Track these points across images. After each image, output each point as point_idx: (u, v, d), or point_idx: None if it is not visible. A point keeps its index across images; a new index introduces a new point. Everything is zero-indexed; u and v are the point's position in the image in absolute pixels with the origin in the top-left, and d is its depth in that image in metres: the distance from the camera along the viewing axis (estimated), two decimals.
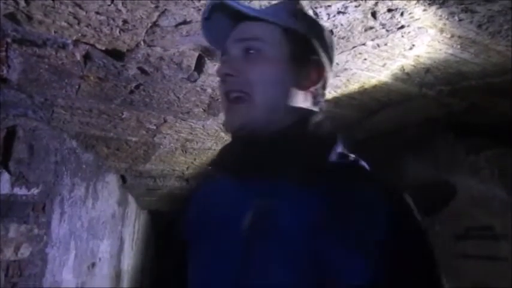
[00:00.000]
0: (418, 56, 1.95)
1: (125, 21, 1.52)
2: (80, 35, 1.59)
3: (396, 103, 2.58)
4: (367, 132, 3.14)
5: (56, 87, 1.98)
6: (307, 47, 0.79)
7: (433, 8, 1.53)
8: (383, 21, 1.62)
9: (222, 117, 2.01)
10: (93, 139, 2.67)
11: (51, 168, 2.29)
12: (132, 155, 3.08)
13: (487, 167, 2.99)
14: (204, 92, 2.19)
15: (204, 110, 2.42)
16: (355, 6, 1.51)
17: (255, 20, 0.77)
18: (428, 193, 3.34)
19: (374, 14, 1.57)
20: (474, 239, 3.07)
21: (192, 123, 2.62)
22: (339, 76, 2.15)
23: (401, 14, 1.57)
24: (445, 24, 1.65)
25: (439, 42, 1.81)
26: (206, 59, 1.87)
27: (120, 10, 1.44)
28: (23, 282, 2.06)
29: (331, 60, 0.84)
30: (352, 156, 0.78)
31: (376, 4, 1.51)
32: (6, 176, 2.00)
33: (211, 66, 1.90)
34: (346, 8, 1.52)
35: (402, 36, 1.75)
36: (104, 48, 1.70)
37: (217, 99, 2.26)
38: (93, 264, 3.14)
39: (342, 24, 1.63)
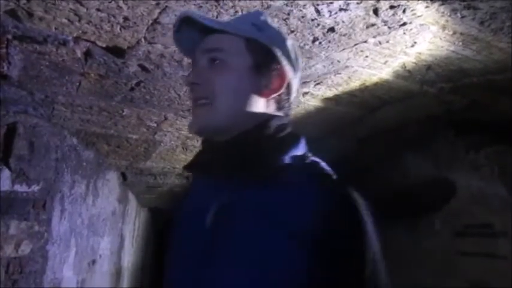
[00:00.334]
0: (420, 53, 1.95)
1: (125, 18, 1.51)
2: (80, 31, 1.58)
3: (397, 100, 2.58)
4: (368, 129, 3.14)
5: (56, 84, 1.98)
6: (269, 57, 0.84)
7: (436, 4, 1.52)
8: (385, 18, 1.62)
9: None
10: (93, 136, 2.67)
11: (51, 165, 2.29)
12: (133, 153, 3.08)
13: (487, 164, 2.99)
14: None
15: None
16: (357, 3, 1.51)
17: (219, 32, 0.83)
18: (429, 190, 3.35)
19: (376, 11, 1.57)
20: (474, 237, 3.08)
21: None
22: (340, 74, 2.14)
23: (404, 11, 1.57)
24: (447, 21, 1.64)
25: (441, 39, 1.80)
26: None
27: (121, 7, 1.44)
28: (24, 279, 2.06)
29: (295, 68, 0.88)
30: (311, 157, 0.83)
31: (378, 1, 1.50)
32: (6, 172, 1.99)
33: None
34: (348, 4, 1.51)
35: (404, 33, 1.74)
36: (104, 45, 1.69)
37: None
38: (94, 261, 3.14)
39: (343, 21, 1.63)
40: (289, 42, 0.88)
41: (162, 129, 2.71)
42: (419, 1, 1.50)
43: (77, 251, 2.73)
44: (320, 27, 1.66)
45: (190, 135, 2.84)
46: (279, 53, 0.85)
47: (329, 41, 1.78)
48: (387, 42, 1.82)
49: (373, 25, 1.67)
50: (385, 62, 2.03)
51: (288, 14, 1.55)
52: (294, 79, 0.88)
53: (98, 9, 1.45)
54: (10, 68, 1.78)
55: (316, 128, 3.04)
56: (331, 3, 1.49)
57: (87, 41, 1.66)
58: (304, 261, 0.66)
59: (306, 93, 2.39)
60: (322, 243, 0.67)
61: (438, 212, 3.34)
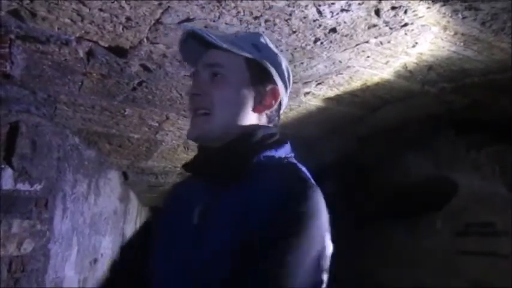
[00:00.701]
0: (421, 54, 1.95)
1: (128, 19, 1.52)
2: (83, 31, 1.59)
3: (398, 100, 2.58)
4: (369, 129, 3.14)
5: (58, 83, 1.99)
6: (265, 76, 0.92)
7: (437, 5, 1.53)
8: (386, 19, 1.62)
9: None
10: (95, 135, 2.68)
11: (53, 164, 2.30)
12: (134, 152, 3.09)
13: (488, 163, 2.99)
14: None
15: None
16: (359, 4, 1.51)
17: (222, 48, 0.89)
18: (430, 190, 3.35)
19: (377, 12, 1.57)
20: (475, 236, 3.08)
21: None
22: (341, 74, 2.15)
23: (405, 12, 1.57)
24: (448, 21, 1.64)
25: (442, 39, 1.80)
26: None
27: (123, 7, 1.44)
28: (26, 277, 2.07)
29: (286, 87, 0.97)
30: (290, 160, 0.89)
31: (379, 2, 1.50)
32: (9, 171, 2.00)
33: None
34: (349, 5, 1.52)
35: (405, 33, 1.75)
36: (107, 45, 1.70)
37: None
38: (95, 260, 3.16)
39: (345, 22, 1.63)
40: (284, 64, 0.96)
41: (164, 129, 2.72)
42: (421, 2, 1.50)
43: (79, 249, 2.74)
44: (322, 27, 1.66)
45: None
46: (274, 73, 0.93)
47: (331, 42, 1.79)
48: (389, 42, 1.82)
49: (374, 26, 1.67)
50: (387, 62, 2.04)
51: (290, 15, 1.55)
52: (285, 97, 0.97)
53: (101, 10, 1.45)
54: (13, 67, 1.78)
55: (318, 128, 3.05)
56: (332, 4, 1.50)
57: (89, 40, 1.66)
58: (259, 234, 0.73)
59: (308, 93, 2.39)
60: (278, 222, 0.73)
61: (439, 212, 3.34)
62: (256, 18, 1.56)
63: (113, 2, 1.41)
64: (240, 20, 1.56)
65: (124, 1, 1.41)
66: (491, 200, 2.96)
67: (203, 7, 1.47)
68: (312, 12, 1.55)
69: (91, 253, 3.03)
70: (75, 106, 2.24)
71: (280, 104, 0.96)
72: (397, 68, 2.11)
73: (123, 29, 1.59)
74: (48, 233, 2.25)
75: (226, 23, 1.57)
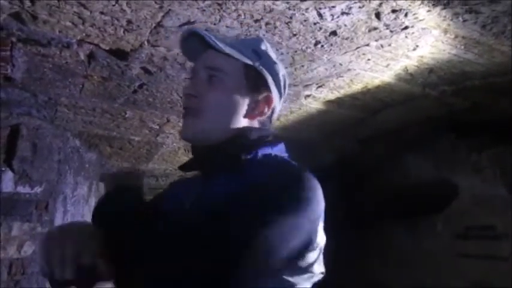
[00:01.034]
0: (422, 57, 1.95)
1: (129, 22, 1.52)
2: (84, 34, 1.59)
3: (399, 103, 2.59)
4: (369, 131, 3.14)
5: (59, 86, 1.99)
6: (261, 83, 0.93)
7: (438, 8, 1.53)
8: (387, 22, 1.62)
9: None
10: (96, 138, 2.68)
11: (54, 166, 2.29)
12: (135, 154, 3.09)
13: (488, 166, 2.99)
14: None
15: None
16: (359, 7, 1.51)
17: (223, 52, 0.90)
18: (430, 192, 3.35)
19: (378, 15, 1.57)
20: (475, 239, 3.07)
21: None
22: (342, 76, 2.15)
23: (406, 15, 1.57)
24: (449, 25, 1.65)
25: (442, 42, 1.81)
26: None
27: (124, 10, 1.45)
28: (26, 280, 2.07)
29: (281, 95, 0.98)
30: (283, 156, 0.90)
31: (380, 5, 1.51)
32: (9, 174, 2.00)
33: None
34: (350, 8, 1.52)
35: (406, 36, 1.75)
36: (107, 48, 1.70)
37: None
38: None
39: (345, 25, 1.64)
40: (282, 73, 0.97)
41: (164, 131, 2.72)
42: (421, 5, 1.51)
43: None
44: (322, 30, 1.67)
45: None
46: (270, 82, 0.93)
47: (331, 44, 1.79)
48: (389, 45, 1.82)
49: (375, 29, 1.67)
50: (387, 65, 2.04)
51: (291, 18, 1.56)
52: (278, 105, 0.98)
53: (102, 13, 1.45)
54: (14, 70, 1.79)
55: (318, 130, 3.05)
56: (333, 7, 1.50)
57: (90, 43, 1.67)
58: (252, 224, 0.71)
59: (308, 95, 2.39)
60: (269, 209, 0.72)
61: (439, 214, 3.34)
62: (256, 21, 1.56)
63: (114, 5, 1.41)
64: (241, 23, 1.57)
65: (125, 4, 1.41)
66: (491, 203, 2.95)
67: (204, 10, 1.47)
68: (312, 15, 1.55)
69: None
70: (76, 109, 2.24)
71: (273, 111, 0.97)
72: (397, 71, 2.12)
73: (124, 32, 1.59)
74: None
75: (227, 26, 1.57)
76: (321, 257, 0.78)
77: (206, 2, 1.43)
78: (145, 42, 1.67)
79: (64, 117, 2.31)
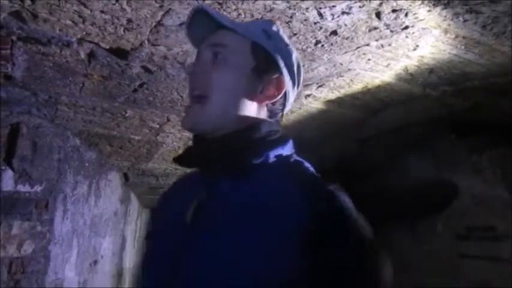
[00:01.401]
0: (422, 57, 1.95)
1: (129, 20, 1.52)
2: (84, 33, 1.59)
3: (399, 103, 2.58)
4: (370, 131, 3.14)
5: (60, 85, 1.99)
6: (271, 64, 0.85)
7: (438, 8, 1.53)
8: (387, 22, 1.62)
9: None
10: (96, 137, 2.68)
11: (54, 165, 2.30)
12: (135, 154, 3.09)
13: (489, 167, 2.99)
14: None
15: None
16: (360, 7, 1.51)
17: (228, 29, 0.84)
18: (431, 192, 3.35)
19: (378, 15, 1.57)
20: (476, 240, 3.07)
21: None
22: (342, 76, 2.15)
23: (406, 15, 1.57)
24: (449, 24, 1.64)
25: (443, 42, 1.80)
26: None
27: (124, 9, 1.45)
28: (26, 279, 2.07)
29: (294, 81, 0.90)
30: (295, 158, 0.84)
31: (380, 4, 1.51)
32: (9, 173, 2.01)
33: None
34: (350, 8, 1.52)
35: (406, 36, 1.75)
36: (108, 47, 1.70)
37: None
38: (95, 262, 3.15)
39: (346, 25, 1.63)
40: (295, 56, 0.90)
41: (165, 131, 2.72)
42: (422, 5, 1.51)
43: (79, 251, 2.74)
44: (323, 30, 1.67)
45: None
46: (281, 63, 0.86)
47: (331, 44, 1.79)
48: (389, 45, 1.82)
49: (375, 28, 1.67)
50: (388, 65, 2.04)
51: (291, 17, 1.56)
52: (291, 92, 0.90)
53: (102, 11, 1.45)
54: (14, 68, 1.79)
55: (319, 130, 3.05)
56: (333, 6, 1.50)
57: (90, 42, 1.66)
58: (286, 258, 0.65)
59: (309, 95, 2.39)
60: (307, 239, 0.66)
61: (440, 214, 3.34)
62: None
63: (114, 4, 1.41)
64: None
65: (125, 3, 1.41)
66: (492, 204, 2.95)
67: None
68: (312, 14, 1.55)
69: (91, 255, 3.03)
70: (76, 107, 2.24)
71: (285, 98, 0.89)
72: (398, 71, 2.11)
73: (124, 31, 1.59)
74: (49, 235, 2.25)
75: None
76: None
77: (206, 1, 1.43)
78: (146, 41, 1.67)
79: (64, 116, 2.31)
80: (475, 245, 3.07)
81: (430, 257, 3.35)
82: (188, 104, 0.86)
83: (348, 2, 1.48)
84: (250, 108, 0.84)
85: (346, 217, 0.70)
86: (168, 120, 2.55)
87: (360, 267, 0.67)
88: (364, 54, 1.90)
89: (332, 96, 2.43)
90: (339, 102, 2.53)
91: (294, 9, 1.51)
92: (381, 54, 1.91)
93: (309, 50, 1.82)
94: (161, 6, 1.44)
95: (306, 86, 2.24)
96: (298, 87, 0.93)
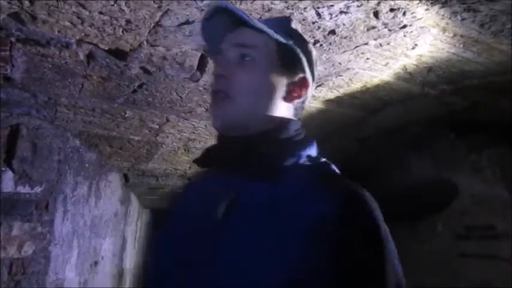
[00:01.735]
0: (421, 56, 1.95)
1: (127, 21, 1.52)
2: (83, 34, 1.60)
3: (398, 102, 2.59)
4: (369, 131, 3.14)
5: (59, 86, 1.99)
6: (296, 63, 0.86)
7: (436, 7, 1.53)
8: (385, 21, 1.63)
9: None
10: (96, 138, 2.68)
11: (54, 166, 2.30)
12: (135, 154, 3.09)
13: (488, 166, 2.99)
14: (206, 92, 2.19)
15: (207, 110, 2.43)
16: (358, 6, 1.52)
17: (254, 29, 0.82)
18: (430, 192, 3.35)
19: (376, 14, 1.58)
20: (475, 239, 3.07)
21: (194, 123, 2.62)
22: (341, 75, 2.15)
23: (404, 14, 1.58)
24: (447, 23, 1.65)
25: (441, 41, 1.81)
26: (208, 58, 1.87)
27: (123, 10, 1.45)
28: (26, 280, 2.07)
29: (313, 77, 0.91)
30: (322, 159, 0.85)
31: (378, 4, 1.51)
32: (9, 174, 2.01)
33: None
34: (348, 7, 1.52)
35: (404, 35, 1.75)
36: (107, 48, 1.71)
37: None
38: (96, 263, 3.16)
39: (344, 24, 1.64)
40: (314, 52, 0.91)
41: (164, 131, 2.72)
42: (419, 4, 1.51)
43: (79, 252, 2.74)
44: (321, 29, 1.67)
45: (192, 136, 2.86)
46: (305, 62, 0.87)
47: (330, 44, 1.79)
48: (388, 44, 1.82)
49: (373, 27, 1.67)
50: (386, 64, 2.04)
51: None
52: (311, 89, 0.91)
53: (101, 12, 1.46)
54: (13, 70, 1.79)
55: (318, 130, 3.05)
56: (331, 6, 1.50)
57: (89, 43, 1.67)
58: (315, 258, 0.66)
59: None
60: (335, 241, 0.67)
61: (439, 214, 3.34)
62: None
63: (112, 5, 1.42)
64: None
65: (124, 4, 1.42)
66: (491, 203, 2.95)
67: (202, 9, 1.47)
68: (311, 14, 1.55)
69: (91, 255, 3.03)
70: (76, 109, 2.24)
71: (307, 97, 0.90)
72: (396, 70, 2.12)
73: (123, 32, 1.59)
74: (49, 236, 2.25)
75: None
76: None
77: (204, 2, 1.43)
78: (144, 42, 1.67)
79: (64, 117, 2.31)
80: (474, 244, 3.07)
81: (430, 256, 3.35)
82: (214, 104, 0.84)
83: (346, 2, 1.49)
84: (279, 108, 0.85)
85: (373, 221, 0.71)
86: (168, 120, 2.56)
87: (379, 272, 0.69)
88: (362, 53, 1.91)
89: (331, 95, 2.43)
90: (337, 101, 2.53)
91: (292, 9, 1.51)
92: (380, 53, 1.92)
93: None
94: (159, 7, 1.44)
95: None
96: (314, 82, 0.94)
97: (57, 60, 1.77)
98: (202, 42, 1.67)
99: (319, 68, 2.03)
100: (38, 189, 2.16)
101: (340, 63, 2.00)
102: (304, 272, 0.66)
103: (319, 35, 1.71)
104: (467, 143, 3.10)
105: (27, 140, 2.10)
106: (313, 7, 1.51)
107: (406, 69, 2.10)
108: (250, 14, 1.52)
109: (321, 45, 1.80)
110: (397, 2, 1.50)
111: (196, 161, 0.88)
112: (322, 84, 2.26)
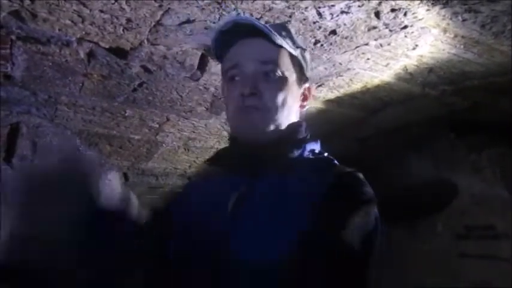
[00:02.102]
0: (421, 56, 1.95)
1: (128, 20, 1.52)
2: (83, 33, 1.59)
3: (398, 102, 2.59)
4: (369, 131, 3.14)
5: (59, 84, 1.99)
6: (303, 72, 0.95)
7: (437, 8, 1.53)
8: (386, 21, 1.63)
9: (224, 116, 2.02)
10: (96, 137, 2.68)
11: None
12: (135, 153, 3.09)
13: (488, 166, 2.99)
14: (206, 91, 2.19)
15: (207, 109, 2.42)
16: (359, 6, 1.51)
17: (270, 41, 0.86)
18: (430, 192, 3.34)
19: (377, 14, 1.58)
20: (475, 239, 3.07)
21: (194, 122, 2.62)
22: (341, 76, 2.15)
23: (405, 14, 1.58)
24: (448, 24, 1.65)
25: (442, 42, 1.81)
26: (209, 57, 1.87)
27: (123, 9, 1.45)
28: None
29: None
30: (324, 153, 0.95)
31: (379, 4, 1.51)
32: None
33: (214, 65, 1.91)
34: (349, 7, 1.52)
35: (405, 36, 1.75)
36: (107, 47, 1.70)
37: (220, 98, 2.26)
38: None
39: (345, 24, 1.64)
40: (309, 58, 0.98)
41: (164, 130, 2.72)
42: (420, 4, 1.51)
43: None
44: (322, 29, 1.67)
45: (192, 136, 2.86)
46: (306, 67, 0.96)
47: (331, 44, 1.79)
48: (389, 44, 1.82)
49: (374, 28, 1.67)
50: (387, 65, 2.04)
51: (290, 17, 1.56)
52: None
53: (101, 11, 1.46)
54: (14, 68, 1.79)
55: (318, 130, 3.04)
56: (332, 6, 1.50)
57: (90, 42, 1.67)
58: (316, 223, 0.76)
59: None
60: (335, 208, 0.78)
61: (439, 214, 3.33)
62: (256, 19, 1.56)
63: (113, 4, 1.42)
64: None
65: (124, 3, 1.42)
66: (491, 203, 2.95)
67: (203, 9, 1.47)
68: (312, 14, 1.55)
69: None
70: (76, 107, 2.24)
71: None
72: (397, 70, 2.12)
73: (123, 31, 1.59)
74: None
75: None
76: None
77: (205, 1, 1.43)
78: (145, 41, 1.67)
79: (64, 115, 2.31)
80: (474, 244, 3.07)
81: (430, 256, 3.35)
82: (245, 117, 0.88)
83: (347, 2, 1.48)
84: (296, 115, 0.95)
85: (361, 185, 0.84)
86: (168, 119, 2.55)
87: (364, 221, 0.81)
88: (363, 53, 1.90)
89: (331, 95, 2.43)
90: (338, 101, 2.53)
91: (293, 9, 1.51)
92: (380, 54, 1.91)
93: (308, 49, 1.82)
94: (160, 6, 1.44)
95: None
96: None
97: (58, 59, 1.76)
98: (203, 41, 1.69)
99: (319, 68, 2.03)
100: None
101: (340, 64, 2.00)
102: (309, 231, 0.76)
103: (320, 35, 1.71)
104: (467, 143, 3.09)
105: (27, 139, 2.10)
106: (314, 7, 1.50)
107: (407, 69, 2.10)
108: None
109: (322, 45, 1.79)
110: (398, 2, 1.49)
111: (213, 161, 0.96)
112: (323, 84, 2.25)
